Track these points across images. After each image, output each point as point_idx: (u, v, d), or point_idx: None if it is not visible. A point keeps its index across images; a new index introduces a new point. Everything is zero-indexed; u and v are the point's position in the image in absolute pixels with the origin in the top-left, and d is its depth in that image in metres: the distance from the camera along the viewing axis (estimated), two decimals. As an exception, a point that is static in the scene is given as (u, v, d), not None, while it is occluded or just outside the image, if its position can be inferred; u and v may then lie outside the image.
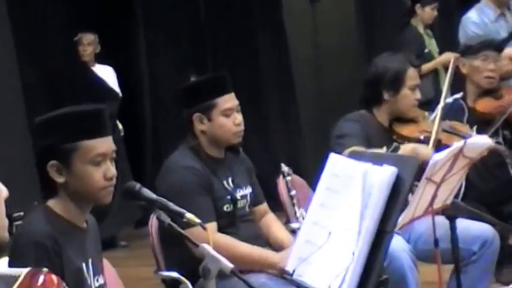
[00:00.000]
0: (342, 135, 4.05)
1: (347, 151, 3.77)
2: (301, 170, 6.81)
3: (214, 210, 3.51)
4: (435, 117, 4.25)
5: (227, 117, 3.65)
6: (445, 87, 4.49)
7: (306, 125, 8.03)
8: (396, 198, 2.83)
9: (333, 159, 3.00)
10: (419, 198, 3.41)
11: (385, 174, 2.81)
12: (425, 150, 3.97)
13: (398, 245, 3.77)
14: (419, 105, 4.31)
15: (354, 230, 2.80)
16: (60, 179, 2.64)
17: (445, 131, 4.30)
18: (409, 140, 4.15)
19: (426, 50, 6.88)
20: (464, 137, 4.22)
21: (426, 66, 6.49)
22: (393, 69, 4.14)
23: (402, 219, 3.30)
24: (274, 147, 8.14)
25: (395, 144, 3.94)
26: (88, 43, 7.39)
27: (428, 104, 4.75)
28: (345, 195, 2.88)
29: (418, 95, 4.20)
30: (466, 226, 3.82)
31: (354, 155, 3.02)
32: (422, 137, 4.17)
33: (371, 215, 2.79)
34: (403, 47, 6.03)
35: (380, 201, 2.80)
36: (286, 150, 8.13)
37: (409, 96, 4.16)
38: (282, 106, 8.16)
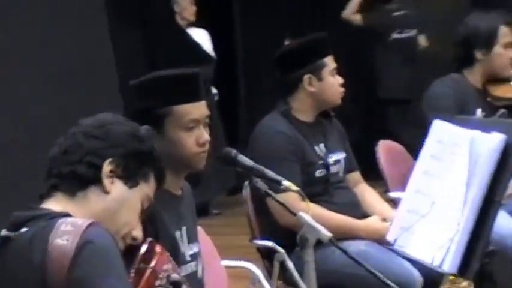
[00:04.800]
0: (435, 108, 3.92)
1: None
2: (402, 137, 6.63)
3: (300, 178, 3.42)
4: None
5: (334, 77, 3.61)
6: None
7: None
8: (505, 166, 2.68)
9: (438, 125, 2.87)
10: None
11: (494, 141, 2.67)
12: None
13: (509, 227, 3.71)
14: None
15: (460, 200, 2.67)
16: None
17: None
18: (505, 100, 4.02)
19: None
20: None
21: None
22: (484, 27, 4.04)
23: (510, 188, 3.16)
24: (370, 114, 8.00)
25: (502, 110, 3.79)
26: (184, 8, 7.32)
27: None
28: (450, 163, 2.75)
29: None
30: None
31: (460, 122, 2.88)
32: None
33: (478, 183, 2.66)
34: None
35: (488, 170, 2.67)
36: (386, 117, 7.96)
37: (503, 54, 4.06)
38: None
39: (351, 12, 7.66)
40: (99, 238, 1.76)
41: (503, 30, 4.04)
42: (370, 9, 7.72)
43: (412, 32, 7.75)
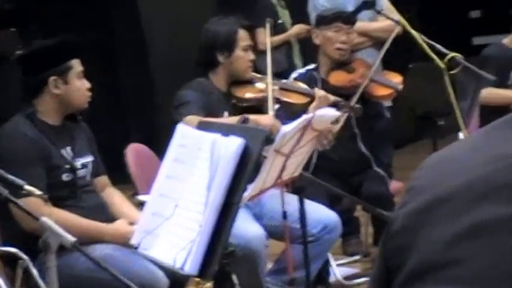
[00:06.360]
0: (180, 104, 4.04)
1: (186, 119, 3.77)
2: (154, 142, 6.70)
3: (45, 182, 3.37)
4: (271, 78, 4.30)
5: (81, 80, 3.59)
6: (268, 46, 4.49)
7: (160, 95, 7.90)
8: (244, 169, 2.78)
9: (181, 129, 2.92)
10: (269, 170, 3.40)
11: (233, 145, 2.76)
12: (266, 120, 4.02)
13: (253, 230, 3.84)
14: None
15: (201, 202, 2.74)
16: None
17: (283, 89, 4.36)
18: (247, 101, 4.21)
19: (279, 21, 6.72)
20: (303, 93, 4.31)
21: (278, 38, 6.44)
22: (224, 31, 4.21)
23: (252, 190, 3.29)
24: (124, 118, 8.00)
25: (244, 116, 3.93)
26: None
27: (280, 76, 4.75)
28: (192, 166, 2.81)
29: (251, 55, 4.27)
30: (312, 209, 3.87)
31: (203, 126, 2.95)
32: (259, 97, 4.22)
33: (218, 186, 2.73)
34: (256, 18, 5.94)
35: (227, 173, 2.74)
36: (138, 121, 8.00)
37: (243, 57, 4.23)
38: (134, 75, 8.00)
39: None
40: None
41: (241, 34, 4.21)
42: None
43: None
